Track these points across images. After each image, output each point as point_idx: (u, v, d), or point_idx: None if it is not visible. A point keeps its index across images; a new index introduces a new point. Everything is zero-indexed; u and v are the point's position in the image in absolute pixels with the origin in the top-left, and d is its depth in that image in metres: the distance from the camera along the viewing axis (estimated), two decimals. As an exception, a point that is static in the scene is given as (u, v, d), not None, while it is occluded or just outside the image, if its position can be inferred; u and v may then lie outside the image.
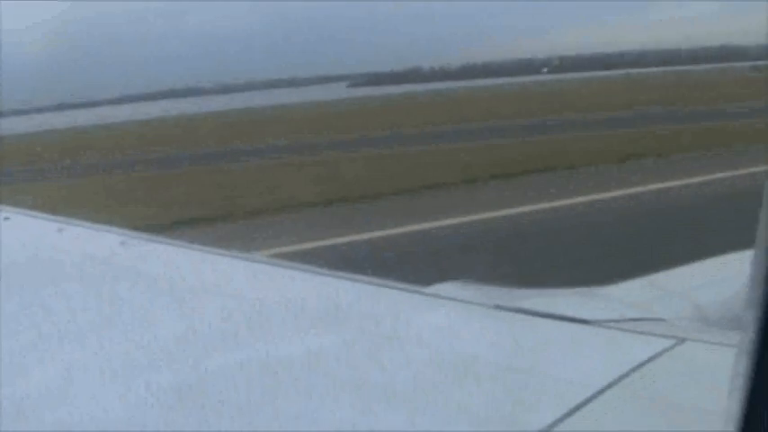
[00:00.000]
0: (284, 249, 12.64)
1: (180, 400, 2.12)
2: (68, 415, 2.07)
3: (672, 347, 2.26)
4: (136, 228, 4.71)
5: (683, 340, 2.32)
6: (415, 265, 11.13)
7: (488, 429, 1.93)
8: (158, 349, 2.48)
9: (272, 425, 1.99)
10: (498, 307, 2.71)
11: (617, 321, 2.55)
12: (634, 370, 2.10)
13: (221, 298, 3.00)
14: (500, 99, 46.39)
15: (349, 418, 1.99)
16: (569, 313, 2.57)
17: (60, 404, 2.14)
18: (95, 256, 3.68)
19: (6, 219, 4.34)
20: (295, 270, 3.46)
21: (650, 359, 2.17)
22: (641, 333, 2.44)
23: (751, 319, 1.03)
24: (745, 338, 1.05)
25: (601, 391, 1.98)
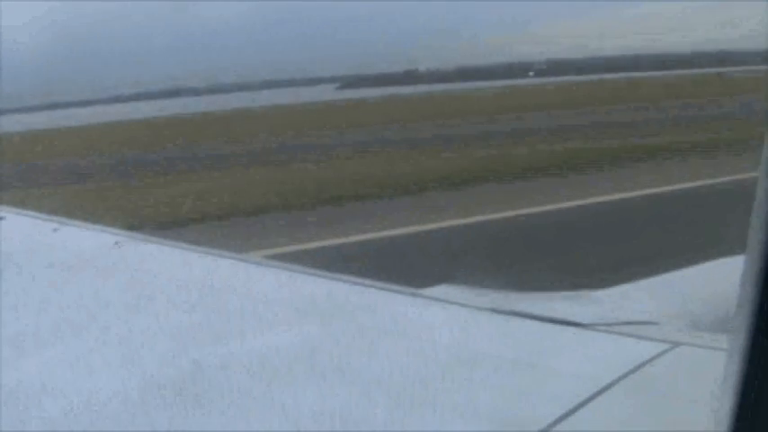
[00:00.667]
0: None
1: (171, 398, 2.12)
2: (61, 412, 2.07)
3: (665, 351, 2.26)
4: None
5: (676, 344, 2.33)
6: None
7: (480, 431, 1.93)
8: (150, 348, 2.48)
9: (262, 421, 2.00)
10: (493, 310, 2.71)
11: (611, 325, 2.55)
12: (628, 374, 2.11)
13: (214, 298, 3.01)
14: (472, 102, 43.95)
15: (339, 416, 1.99)
16: (564, 316, 2.57)
17: (53, 401, 2.14)
18: (90, 255, 3.68)
19: (1, 218, 4.34)
20: (288, 271, 3.47)
21: (644, 363, 2.18)
22: (635, 337, 2.45)
23: (742, 321, 1.03)
24: (736, 340, 1.05)
25: (594, 395, 1.99)
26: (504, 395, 2.11)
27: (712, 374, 2.07)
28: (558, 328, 2.53)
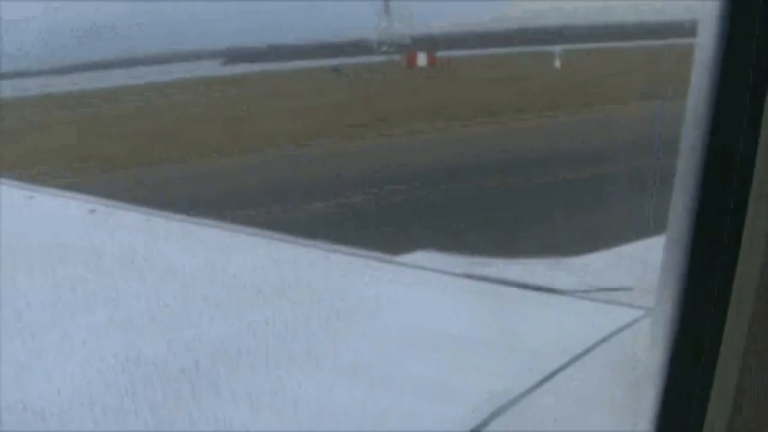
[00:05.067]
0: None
1: (143, 367, 2.13)
2: (34, 381, 2.07)
3: (641, 317, 2.28)
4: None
5: (651, 310, 2.34)
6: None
7: (457, 399, 1.94)
8: (120, 316, 2.49)
9: (232, 392, 2.01)
10: (468, 276, 2.72)
11: (587, 291, 2.57)
12: (604, 339, 2.13)
13: (187, 266, 3.00)
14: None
15: (309, 387, 2.00)
16: (539, 283, 2.59)
17: (25, 371, 2.15)
18: (64, 222, 3.65)
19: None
20: (263, 238, 3.46)
21: (620, 329, 2.20)
22: (611, 303, 2.46)
23: (667, 295, 1.03)
24: (660, 311, 1.05)
25: (572, 360, 2.01)
26: (482, 361, 2.12)
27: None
28: (534, 293, 2.54)
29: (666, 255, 1.05)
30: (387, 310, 2.51)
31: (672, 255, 1.00)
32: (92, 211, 3.79)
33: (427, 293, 2.68)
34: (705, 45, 0.88)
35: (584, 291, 2.57)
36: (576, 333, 2.23)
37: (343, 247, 3.19)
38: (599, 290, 2.63)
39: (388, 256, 3.08)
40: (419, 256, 3.14)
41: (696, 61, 0.93)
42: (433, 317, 2.45)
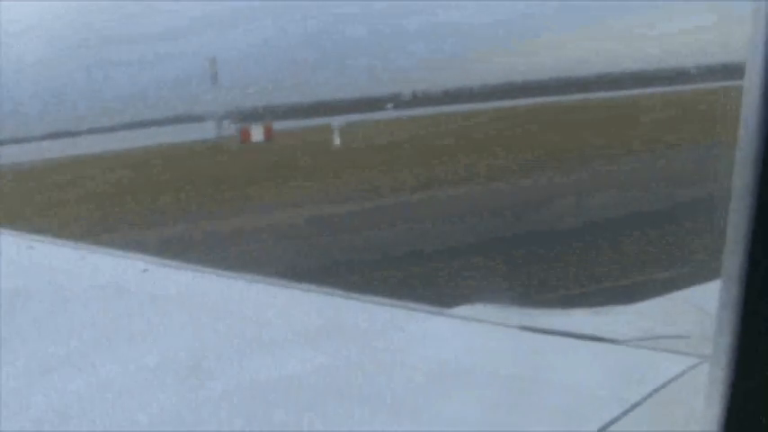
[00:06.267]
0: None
1: (194, 421, 2.14)
2: None
3: (698, 365, 2.24)
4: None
5: (707, 358, 2.30)
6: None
7: None
8: (174, 371, 2.50)
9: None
10: (524, 328, 2.69)
11: (643, 340, 2.53)
12: (661, 388, 2.09)
13: (239, 321, 3.01)
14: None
15: None
16: (596, 333, 2.55)
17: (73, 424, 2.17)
18: (117, 282, 3.69)
19: (30, 247, 4.37)
20: (315, 293, 3.46)
21: (677, 377, 2.16)
22: (667, 351, 2.42)
23: (725, 321, 1.00)
24: (720, 341, 1.02)
25: (629, 410, 1.97)
26: (540, 412, 2.10)
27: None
28: (590, 344, 2.51)
29: (723, 297, 1.03)
30: (441, 362, 2.50)
31: (728, 296, 0.98)
32: (145, 270, 3.83)
33: (482, 345, 2.67)
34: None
35: (638, 339, 2.53)
36: (633, 382, 2.19)
37: (393, 300, 3.19)
38: (655, 338, 2.59)
39: (439, 309, 3.06)
40: (472, 309, 3.12)
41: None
42: (489, 369, 2.43)
